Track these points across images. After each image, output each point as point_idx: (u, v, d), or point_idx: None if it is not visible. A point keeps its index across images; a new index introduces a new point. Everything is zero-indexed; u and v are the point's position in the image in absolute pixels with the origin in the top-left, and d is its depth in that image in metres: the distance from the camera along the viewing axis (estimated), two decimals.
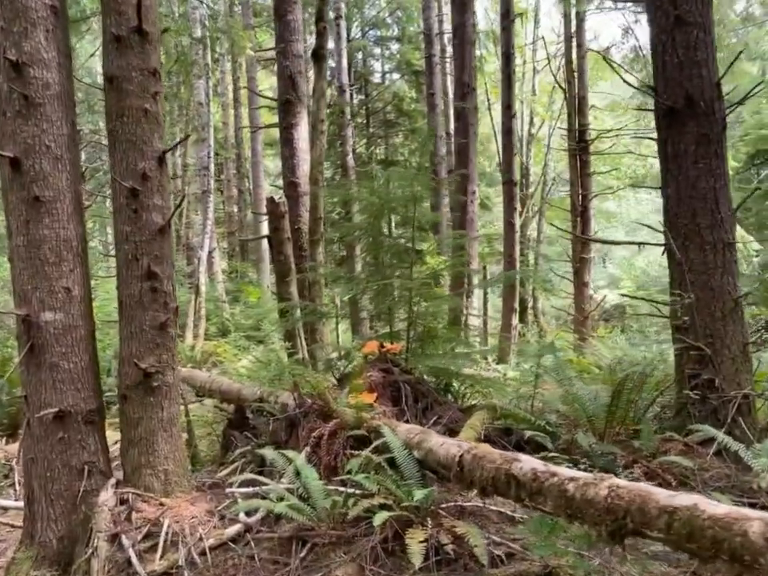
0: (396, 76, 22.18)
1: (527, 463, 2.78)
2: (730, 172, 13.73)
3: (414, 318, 5.27)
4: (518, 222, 12.86)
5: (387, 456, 3.32)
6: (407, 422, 4.44)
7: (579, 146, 14.04)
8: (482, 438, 4.22)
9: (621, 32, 14.74)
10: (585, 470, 3.22)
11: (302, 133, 9.12)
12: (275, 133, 26.15)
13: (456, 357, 5.14)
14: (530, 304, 21.08)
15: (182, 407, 6.67)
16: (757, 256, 14.44)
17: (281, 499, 3.27)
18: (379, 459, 3.32)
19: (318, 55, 8.01)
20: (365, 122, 21.02)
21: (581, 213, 13.81)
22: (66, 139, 3.42)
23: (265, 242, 19.82)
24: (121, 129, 3.45)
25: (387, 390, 4.59)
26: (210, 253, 17.76)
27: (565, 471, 2.64)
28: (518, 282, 12.50)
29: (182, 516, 3.41)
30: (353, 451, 3.62)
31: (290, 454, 3.56)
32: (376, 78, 22.56)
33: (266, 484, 3.58)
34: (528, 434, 4.00)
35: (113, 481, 3.50)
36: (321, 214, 8.30)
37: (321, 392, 3.96)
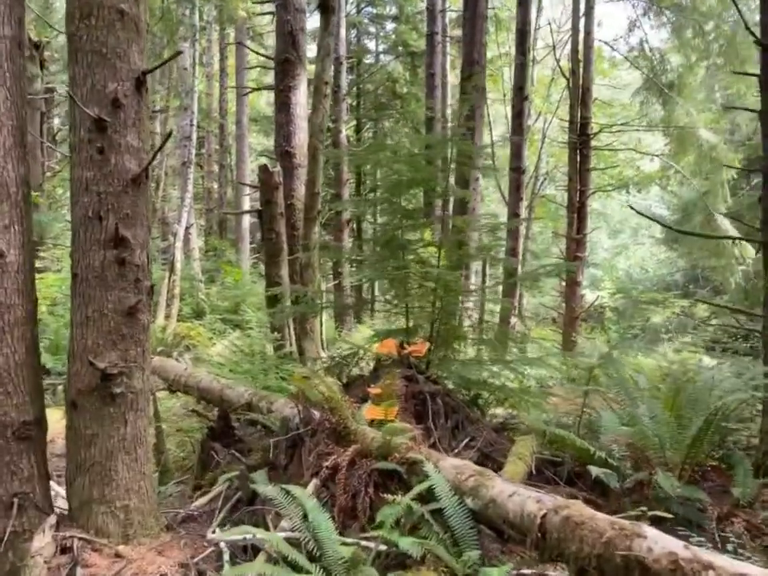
0: (390, 57, 21.18)
1: (658, 543, 1.91)
2: None
3: (438, 315, 4.38)
4: (523, 212, 12.02)
5: (433, 507, 2.42)
6: (434, 445, 3.56)
7: (580, 139, 13.29)
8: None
9: (627, 25, 13.83)
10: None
11: (301, 97, 8.15)
12: (261, 107, 25.06)
13: (495, 363, 4.25)
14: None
15: (150, 396, 5.71)
16: None
17: (285, 559, 2.36)
18: (422, 510, 2.42)
19: (326, 6, 7.01)
20: (355, 103, 20.02)
21: (578, 209, 13.12)
22: (8, 44, 2.44)
23: (246, 220, 18.77)
24: (86, 34, 2.46)
25: (410, 402, 3.69)
26: (187, 228, 16.66)
27: (726, 562, 1.78)
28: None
29: (145, 573, 2.49)
30: (379, 491, 2.72)
31: (296, 490, 2.64)
32: (369, 59, 21.56)
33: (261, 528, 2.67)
34: (594, 471, 3.13)
35: (52, 520, 2.55)
36: (318, 189, 7.36)
37: (336, 405, 3.05)
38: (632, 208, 6.13)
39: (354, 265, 9.10)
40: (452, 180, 5.92)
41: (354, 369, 5.00)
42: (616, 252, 31.35)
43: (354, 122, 19.98)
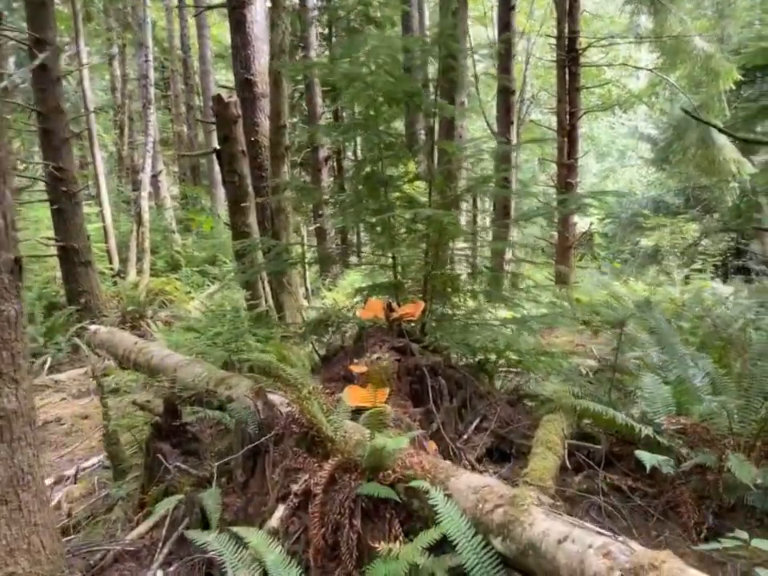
0: None
1: None
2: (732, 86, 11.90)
3: (432, 265, 3.56)
4: (514, 137, 11.01)
5: (448, 563, 1.67)
6: (438, 431, 2.81)
7: (569, 56, 12.20)
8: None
9: None
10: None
11: (257, 14, 7.02)
12: (226, 41, 23.33)
13: (504, 323, 3.47)
14: None
15: (94, 367, 4.80)
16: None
17: None
18: (431, 565, 1.67)
19: None
20: (327, 31, 18.55)
21: (568, 132, 12.18)
22: None
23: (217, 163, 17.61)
24: None
25: (404, 380, 2.93)
26: (155, 176, 15.56)
27: None
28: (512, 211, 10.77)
29: None
30: (369, 520, 1.97)
31: (252, 536, 1.88)
32: None
33: None
34: (646, 459, 2.39)
35: None
36: (285, 122, 6.39)
37: (305, 405, 2.26)
38: (694, 117, 5.23)
39: (335, 207, 8.23)
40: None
41: (337, 332, 4.19)
42: (604, 176, 30.49)
43: (327, 52, 18.60)
